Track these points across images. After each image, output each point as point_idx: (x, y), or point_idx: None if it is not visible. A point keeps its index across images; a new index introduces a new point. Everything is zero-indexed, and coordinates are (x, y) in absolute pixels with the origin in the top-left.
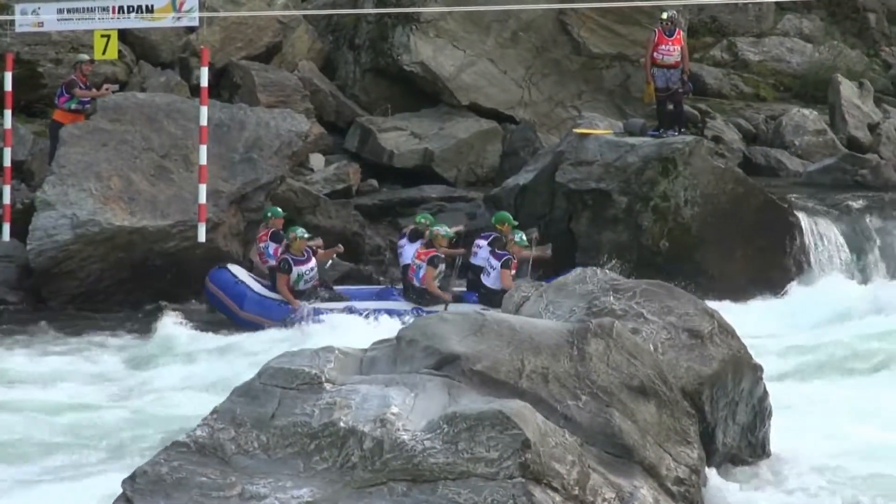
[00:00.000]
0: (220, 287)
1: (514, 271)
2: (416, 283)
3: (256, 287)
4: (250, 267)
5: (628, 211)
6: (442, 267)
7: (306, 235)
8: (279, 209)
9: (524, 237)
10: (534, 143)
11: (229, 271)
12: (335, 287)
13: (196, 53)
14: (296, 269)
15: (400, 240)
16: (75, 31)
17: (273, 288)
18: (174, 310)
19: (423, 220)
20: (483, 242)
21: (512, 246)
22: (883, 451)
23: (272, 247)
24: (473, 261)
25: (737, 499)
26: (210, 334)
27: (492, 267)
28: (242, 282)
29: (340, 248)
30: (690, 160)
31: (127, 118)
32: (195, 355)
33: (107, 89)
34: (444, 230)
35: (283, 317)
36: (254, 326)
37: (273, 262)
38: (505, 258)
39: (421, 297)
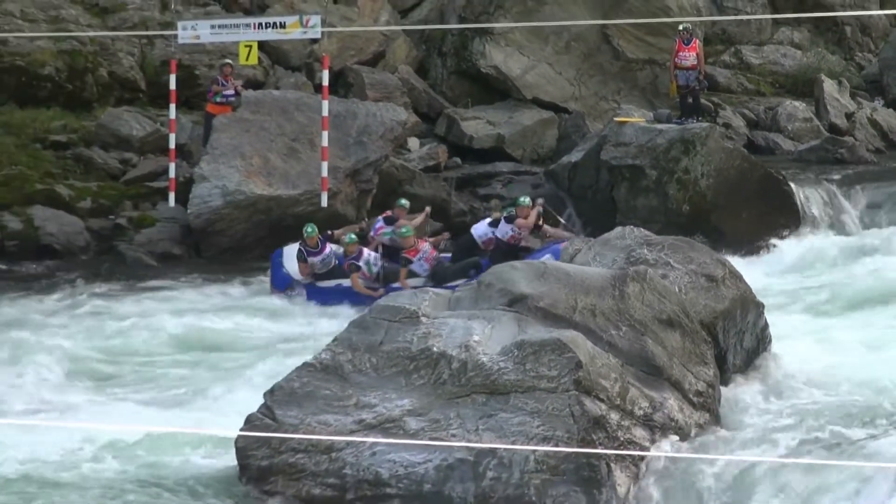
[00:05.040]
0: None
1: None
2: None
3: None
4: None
5: (657, 182)
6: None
7: (316, 232)
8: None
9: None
10: (583, 128)
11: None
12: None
13: (318, 59)
14: (310, 259)
15: (377, 223)
16: (224, 42)
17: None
18: None
19: (402, 204)
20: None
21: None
22: (865, 371)
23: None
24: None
25: (744, 407)
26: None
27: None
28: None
29: (428, 209)
30: (706, 142)
31: (265, 110)
32: None
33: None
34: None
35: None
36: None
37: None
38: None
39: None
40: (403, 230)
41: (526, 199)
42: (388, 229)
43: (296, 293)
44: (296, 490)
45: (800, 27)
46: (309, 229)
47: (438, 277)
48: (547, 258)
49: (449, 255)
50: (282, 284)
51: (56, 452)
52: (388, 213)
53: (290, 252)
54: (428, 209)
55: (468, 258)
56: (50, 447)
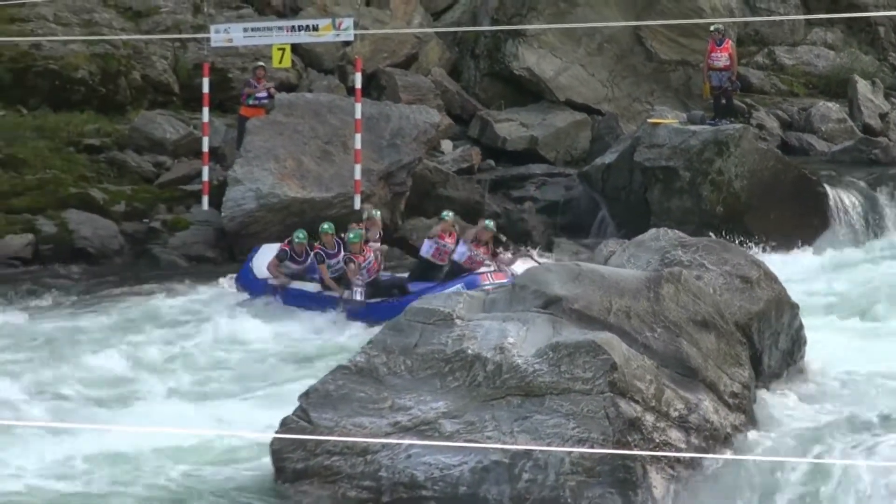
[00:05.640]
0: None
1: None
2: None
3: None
4: None
5: (691, 183)
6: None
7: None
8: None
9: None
10: (616, 130)
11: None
12: None
13: (351, 62)
14: (328, 261)
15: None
16: (257, 45)
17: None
18: None
19: (374, 213)
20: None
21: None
22: None
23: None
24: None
25: (780, 408)
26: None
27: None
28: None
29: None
30: (740, 143)
31: (298, 113)
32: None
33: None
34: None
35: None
36: None
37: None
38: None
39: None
40: (352, 235)
41: (490, 223)
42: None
43: (275, 298)
44: (331, 492)
45: (833, 28)
46: (325, 226)
47: (368, 292)
48: (458, 287)
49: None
50: (254, 288)
51: (91, 456)
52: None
53: (266, 252)
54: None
55: (426, 276)
56: (86, 451)
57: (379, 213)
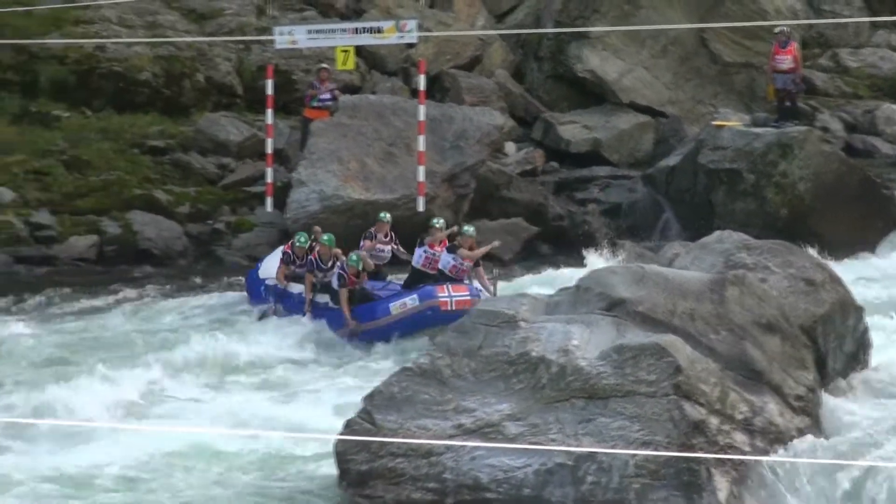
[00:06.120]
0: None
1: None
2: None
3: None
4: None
5: (755, 186)
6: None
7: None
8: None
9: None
10: (680, 132)
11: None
12: None
13: (415, 64)
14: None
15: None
16: (321, 47)
17: None
18: None
19: (383, 217)
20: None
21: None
22: None
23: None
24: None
25: (845, 412)
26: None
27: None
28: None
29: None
30: (804, 146)
31: (362, 115)
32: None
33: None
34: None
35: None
36: None
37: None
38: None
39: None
40: (354, 258)
41: (470, 229)
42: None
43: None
44: (395, 494)
45: None
46: (325, 237)
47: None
48: (412, 297)
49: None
50: (255, 290)
51: (157, 456)
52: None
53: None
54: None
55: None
56: (151, 451)
57: (388, 215)
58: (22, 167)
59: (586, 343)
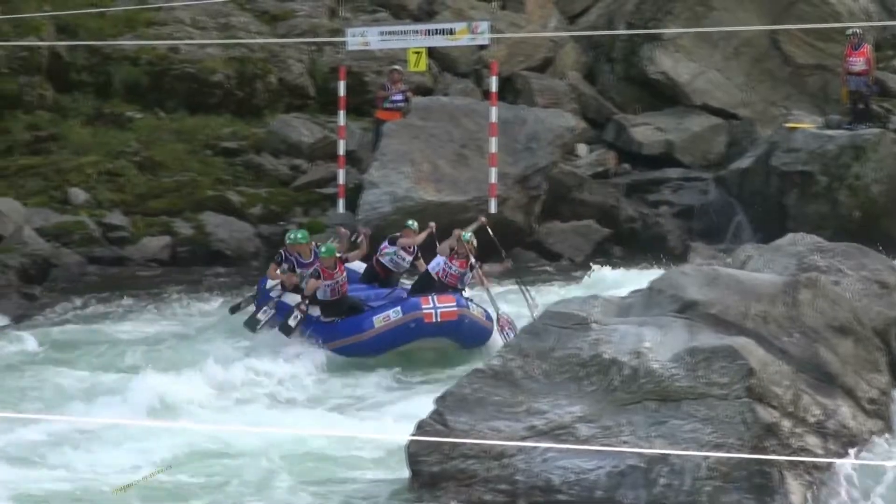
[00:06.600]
0: None
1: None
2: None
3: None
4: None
5: (828, 188)
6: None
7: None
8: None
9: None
10: (752, 134)
11: None
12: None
13: (487, 66)
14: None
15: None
16: (393, 48)
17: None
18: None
19: (411, 224)
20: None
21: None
22: None
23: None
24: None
25: None
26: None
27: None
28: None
29: (433, 225)
30: (877, 148)
31: (434, 116)
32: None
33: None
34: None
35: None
36: None
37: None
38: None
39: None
40: (324, 249)
41: (466, 235)
42: (391, 250)
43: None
44: (467, 496)
45: None
46: (299, 234)
47: (330, 311)
48: (396, 310)
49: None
50: (262, 296)
51: (229, 455)
52: (397, 234)
53: None
54: (432, 225)
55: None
56: (223, 450)
57: (415, 223)
58: (95, 168)
59: (658, 345)
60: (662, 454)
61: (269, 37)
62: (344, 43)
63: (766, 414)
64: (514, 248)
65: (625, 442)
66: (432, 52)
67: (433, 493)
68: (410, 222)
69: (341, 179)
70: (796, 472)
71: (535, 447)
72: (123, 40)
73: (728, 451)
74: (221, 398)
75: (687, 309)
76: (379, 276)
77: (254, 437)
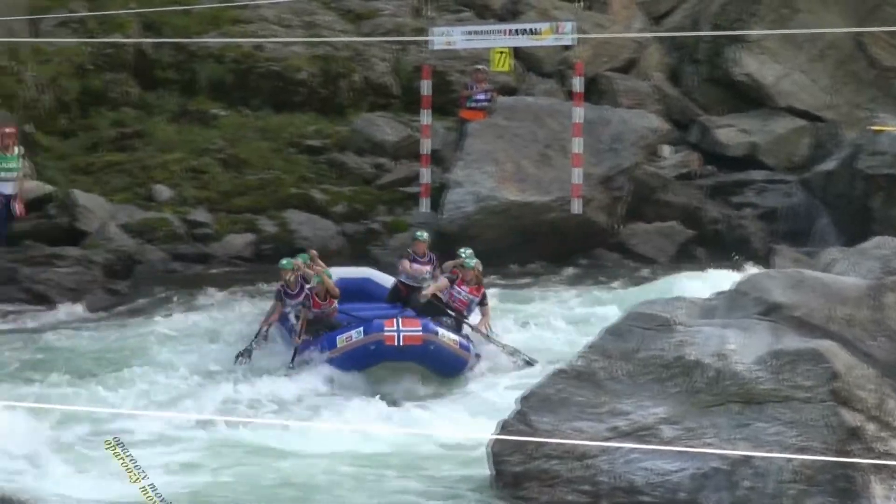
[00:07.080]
0: None
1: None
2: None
3: None
4: None
5: None
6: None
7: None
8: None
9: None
10: (837, 137)
11: None
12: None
13: (571, 66)
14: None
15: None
16: (478, 48)
17: None
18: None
19: (420, 236)
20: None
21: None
22: None
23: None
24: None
25: None
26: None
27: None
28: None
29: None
30: None
31: (518, 116)
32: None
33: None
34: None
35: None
36: None
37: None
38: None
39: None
40: (284, 262)
41: (467, 255)
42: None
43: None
44: (550, 496)
45: None
46: (284, 262)
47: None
48: (358, 331)
49: None
50: None
51: (308, 453)
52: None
53: None
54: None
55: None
56: (303, 448)
57: (424, 234)
58: (180, 165)
59: (742, 347)
60: (746, 456)
61: (354, 35)
62: (428, 42)
63: (851, 417)
64: (596, 248)
65: (708, 444)
66: (517, 52)
67: (516, 493)
68: (420, 233)
69: (425, 178)
70: (881, 477)
71: (618, 448)
72: (209, 38)
73: (812, 455)
74: (295, 395)
75: (771, 311)
76: (401, 293)
77: (327, 437)
